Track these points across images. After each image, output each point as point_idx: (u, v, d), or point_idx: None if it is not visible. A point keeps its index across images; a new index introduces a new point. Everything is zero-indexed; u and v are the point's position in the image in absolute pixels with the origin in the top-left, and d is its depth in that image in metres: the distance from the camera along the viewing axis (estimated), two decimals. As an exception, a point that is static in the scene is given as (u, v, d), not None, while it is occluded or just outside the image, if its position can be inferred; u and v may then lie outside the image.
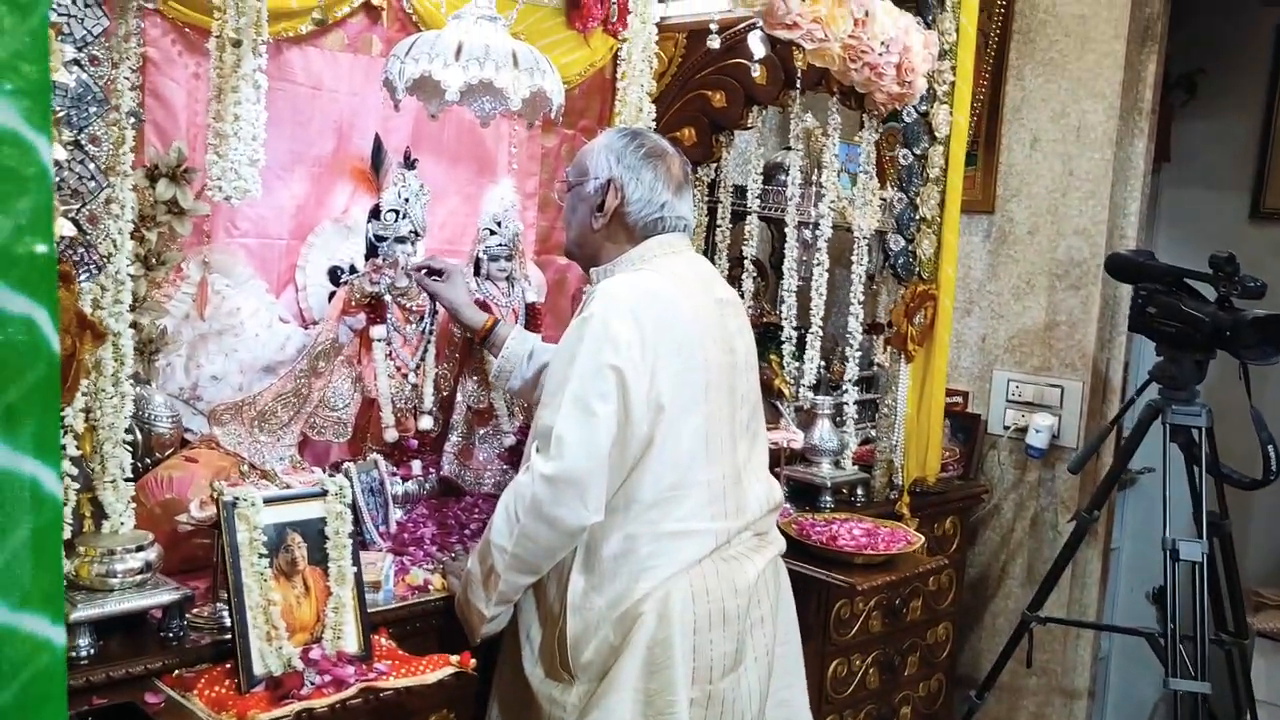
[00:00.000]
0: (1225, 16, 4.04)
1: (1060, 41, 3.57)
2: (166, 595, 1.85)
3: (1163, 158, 3.95)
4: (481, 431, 2.77)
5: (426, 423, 2.64)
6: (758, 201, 3.41)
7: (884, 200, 3.34)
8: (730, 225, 3.47)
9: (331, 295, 2.62)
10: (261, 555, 1.85)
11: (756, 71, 2.72)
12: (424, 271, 2.53)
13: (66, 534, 1.79)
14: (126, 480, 1.89)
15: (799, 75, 2.91)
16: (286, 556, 1.90)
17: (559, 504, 1.83)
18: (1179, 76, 3.93)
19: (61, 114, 1.63)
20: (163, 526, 2.07)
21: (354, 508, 2.08)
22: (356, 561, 1.97)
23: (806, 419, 3.24)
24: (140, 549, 1.84)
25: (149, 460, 2.24)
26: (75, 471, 1.77)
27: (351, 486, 2.14)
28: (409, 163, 2.57)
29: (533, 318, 2.86)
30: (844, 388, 3.23)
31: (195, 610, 1.95)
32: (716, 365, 1.95)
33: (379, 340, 2.55)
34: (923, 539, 2.82)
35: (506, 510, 1.90)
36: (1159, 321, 2.90)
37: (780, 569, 2.10)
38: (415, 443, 2.65)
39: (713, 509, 1.94)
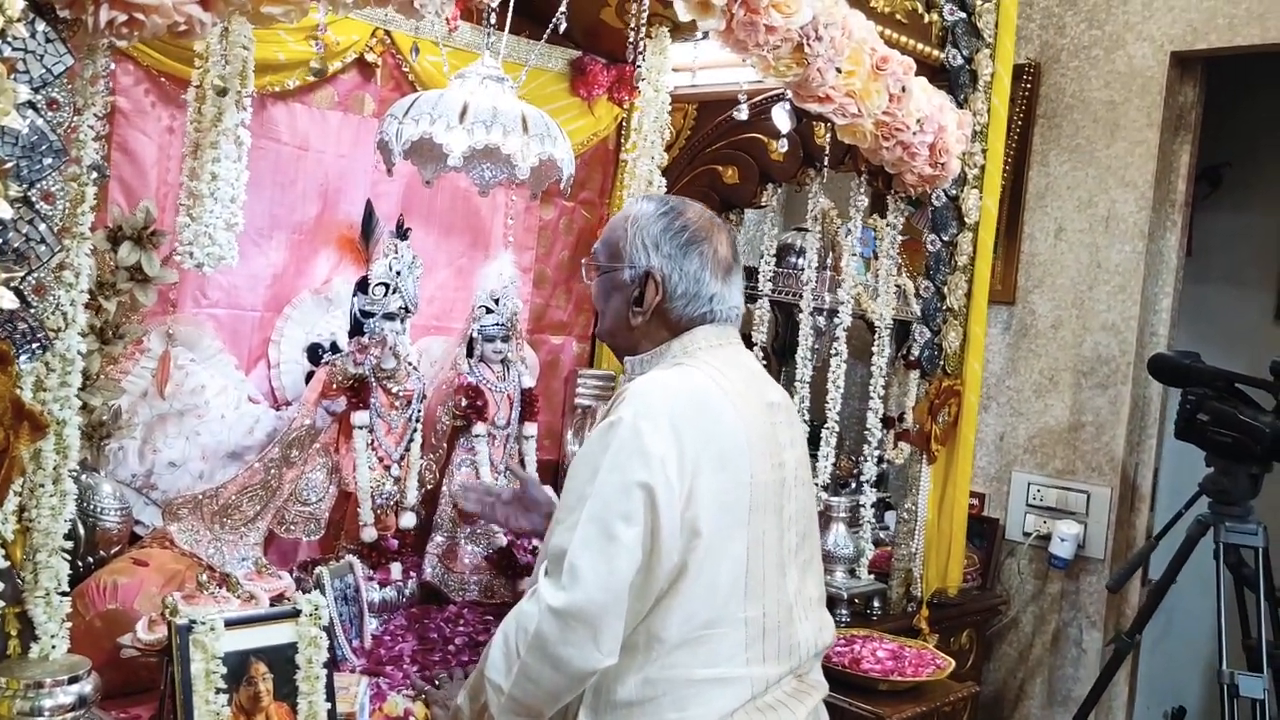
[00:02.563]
0: (1253, 109, 3.91)
1: (1088, 128, 3.41)
2: (102, 738, 1.56)
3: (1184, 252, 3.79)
4: (468, 530, 2.50)
5: (409, 520, 2.39)
6: (769, 285, 3.20)
7: (899, 287, 3.15)
8: (738, 308, 3.27)
9: (309, 375, 2.37)
10: (219, 690, 1.57)
11: (784, 146, 2.51)
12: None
13: (-15, 661, 1.50)
14: (62, 594, 1.60)
15: (825, 152, 2.72)
16: (249, 691, 1.61)
17: (567, 642, 1.54)
18: (1204, 168, 3.78)
19: (10, 164, 1.37)
20: (103, 643, 1.80)
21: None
22: (331, 696, 1.68)
23: (819, 522, 2.98)
24: (74, 680, 1.55)
25: (91, 560, 1.96)
26: (1, 587, 1.49)
27: (325, 598, 1.86)
28: (402, 232, 2.34)
29: (528, 404, 2.63)
30: (860, 487, 3.00)
31: (136, 751, 1.65)
32: (763, 483, 1.68)
33: (361, 428, 2.30)
34: (952, 662, 2.57)
35: (505, 642, 1.61)
36: (1212, 430, 2.68)
37: (821, 717, 1.83)
38: (395, 543, 2.38)
39: (750, 652, 1.66)
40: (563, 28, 2.12)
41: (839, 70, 2.31)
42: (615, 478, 1.57)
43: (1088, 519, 3.37)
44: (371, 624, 2.22)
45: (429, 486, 2.48)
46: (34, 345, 1.45)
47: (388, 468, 2.36)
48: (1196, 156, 3.43)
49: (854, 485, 3.20)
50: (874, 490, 3.02)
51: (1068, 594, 3.42)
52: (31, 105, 1.38)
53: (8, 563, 1.52)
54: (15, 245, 1.40)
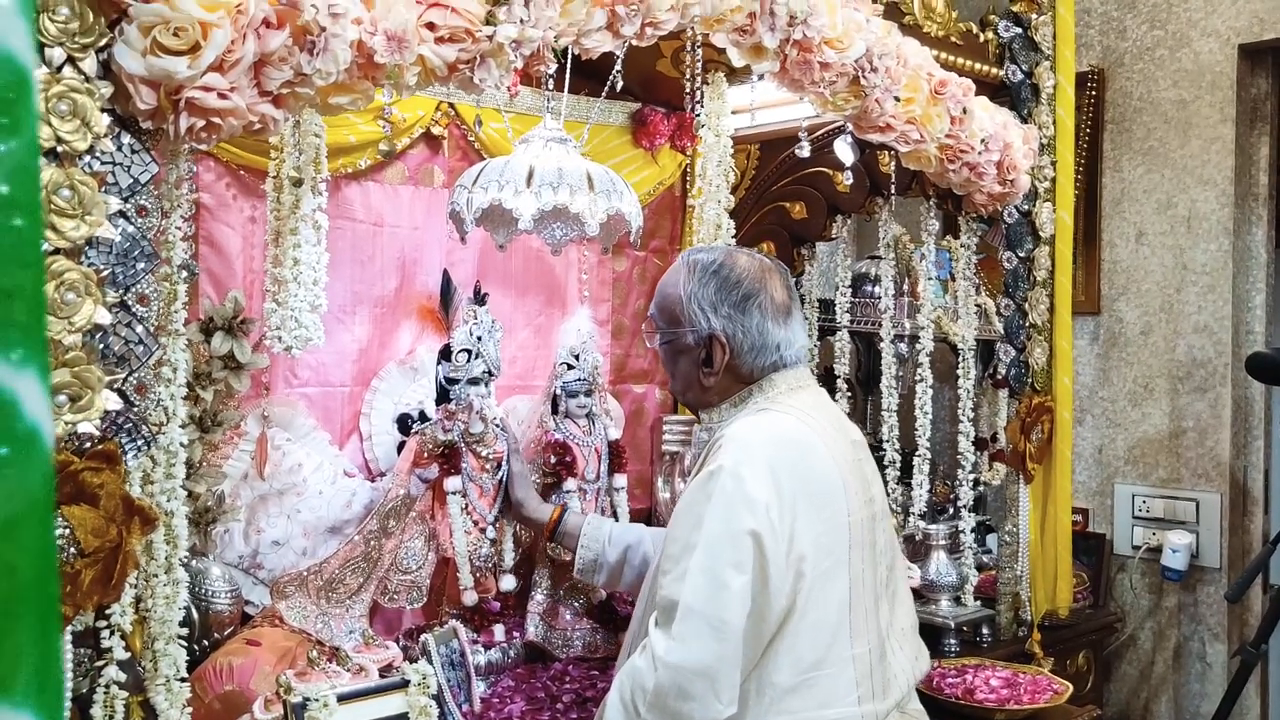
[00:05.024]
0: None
1: (1159, 129, 3.35)
2: (229, 822, 1.59)
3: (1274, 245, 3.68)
4: (566, 586, 2.51)
5: (509, 582, 2.40)
6: (847, 316, 3.18)
7: (979, 307, 3.11)
8: (816, 341, 3.26)
9: (400, 445, 2.41)
10: (337, 765, 1.59)
11: (850, 178, 2.51)
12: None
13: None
14: (181, 680, 1.65)
15: (892, 180, 2.71)
16: (365, 764, 1.64)
17: (688, 696, 1.54)
18: (1284, 158, 3.69)
19: (106, 272, 1.43)
20: (223, 725, 1.83)
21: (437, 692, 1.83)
22: (445, 765, 1.70)
23: (918, 551, 2.94)
24: (198, 766, 1.59)
25: (206, 642, 2.01)
26: (123, 677, 1.54)
27: (432, 666, 1.89)
28: (479, 298, 2.38)
29: (616, 456, 2.63)
30: (957, 512, 2.95)
31: (262, 829, 1.68)
32: (859, 521, 1.68)
33: (454, 493, 2.33)
34: (1070, 686, 2.49)
35: (621, 701, 1.61)
36: (1320, 428, 2.60)
37: (925, 747, 1.81)
38: (497, 605, 2.40)
39: (860, 689, 1.65)
40: (619, 85, 2.15)
41: (897, 99, 2.31)
42: (721, 526, 1.57)
43: (1199, 527, 3.26)
44: (479, 687, 2.23)
45: (525, 546, 2.50)
46: (139, 442, 1.51)
47: (483, 530, 2.38)
48: (1276, 148, 3.34)
49: (952, 511, 3.15)
50: (972, 514, 2.96)
51: (1185, 606, 3.31)
52: (122, 214, 1.44)
53: (128, 653, 1.57)
54: (115, 348, 1.46)
